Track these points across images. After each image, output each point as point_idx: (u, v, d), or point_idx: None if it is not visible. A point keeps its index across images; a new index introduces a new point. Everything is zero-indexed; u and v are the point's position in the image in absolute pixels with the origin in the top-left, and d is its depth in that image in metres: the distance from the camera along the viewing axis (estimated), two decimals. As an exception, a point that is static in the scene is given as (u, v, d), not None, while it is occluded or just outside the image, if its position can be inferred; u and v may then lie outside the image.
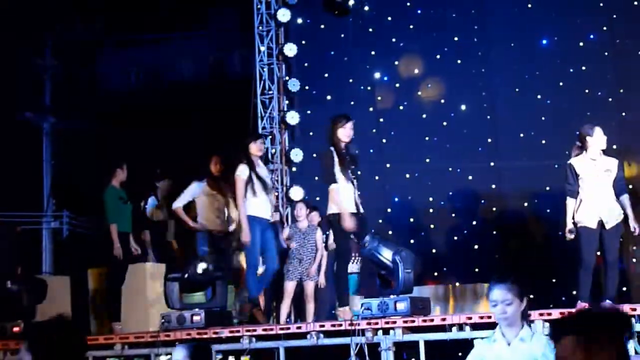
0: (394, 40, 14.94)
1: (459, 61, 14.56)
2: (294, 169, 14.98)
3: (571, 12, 13.99)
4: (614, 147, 12.64)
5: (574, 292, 11.29)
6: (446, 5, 14.80)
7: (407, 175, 14.57)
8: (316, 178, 14.30)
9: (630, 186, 12.81)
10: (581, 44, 13.97)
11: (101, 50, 18.16)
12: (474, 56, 14.46)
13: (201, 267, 10.22)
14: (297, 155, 14.71)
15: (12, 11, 15.73)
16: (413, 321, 9.12)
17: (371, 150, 14.47)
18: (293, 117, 14.91)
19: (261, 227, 10.57)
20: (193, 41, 17.37)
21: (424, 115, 14.69)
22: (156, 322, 10.11)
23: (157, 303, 10.54)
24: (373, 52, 15.17)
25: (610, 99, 13.61)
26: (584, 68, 13.83)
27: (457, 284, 12.84)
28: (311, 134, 14.89)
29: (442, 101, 14.75)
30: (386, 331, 9.19)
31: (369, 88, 15.18)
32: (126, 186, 12.07)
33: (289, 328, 9.83)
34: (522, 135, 13.96)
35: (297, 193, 14.40)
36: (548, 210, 13.17)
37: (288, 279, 11.61)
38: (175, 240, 13.14)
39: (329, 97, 15.15)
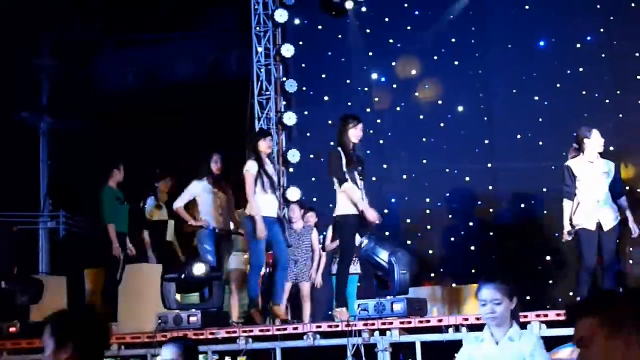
0: (391, 41, 14.94)
1: (456, 62, 14.57)
2: (291, 170, 14.98)
3: (568, 14, 14.00)
4: (611, 148, 12.65)
5: (571, 294, 11.32)
6: (444, 7, 14.81)
7: (405, 177, 14.58)
8: (313, 179, 14.33)
9: (628, 188, 12.84)
10: (578, 45, 13.98)
11: (99, 50, 18.13)
12: (472, 57, 14.47)
13: (198, 267, 10.21)
14: (294, 156, 14.70)
15: (10, 11, 15.72)
16: (410, 322, 9.11)
17: (368, 152, 14.41)
18: (290, 118, 14.90)
19: (268, 226, 10.54)
20: (191, 41, 17.36)
21: (422, 117, 14.70)
22: (153, 323, 10.09)
23: (154, 304, 10.52)
24: (371, 53, 15.18)
25: (607, 101, 13.61)
26: (581, 70, 13.84)
27: (454, 285, 12.84)
28: (308, 135, 14.91)
29: (440, 102, 14.76)
30: (383, 332, 9.19)
31: (366, 89, 15.19)
32: (124, 187, 12.08)
33: (285, 329, 9.82)
34: (519, 136, 13.96)
35: (294, 194, 14.39)
36: (545, 212, 13.18)
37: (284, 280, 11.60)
38: (176, 240, 13.15)
39: (326, 98, 15.15)
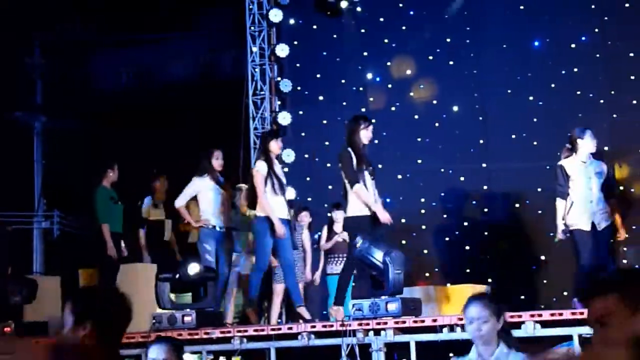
0: (386, 41, 14.94)
1: (451, 62, 14.57)
2: (285, 169, 14.94)
3: (563, 14, 14.01)
4: (605, 148, 12.68)
5: (565, 293, 11.33)
6: (438, 7, 14.81)
7: (399, 176, 14.57)
8: (308, 178, 14.35)
9: (621, 187, 12.87)
10: (573, 45, 13.99)
11: (93, 50, 18.10)
12: (466, 57, 14.47)
13: (192, 267, 10.20)
14: (289, 155, 14.67)
15: (4, 10, 15.69)
16: (404, 322, 9.12)
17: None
18: (285, 118, 14.88)
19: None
20: (185, 41, 17.34)
21: (416, 116, 14.70)
22: (147, 323, 10.08)
23: (149, 303, 10.51)
24: (365, 53, 15.17)
25: (601, 101, 13.63)
26: (575, 70, 13.85)
27: (449, 284, 12.85)
28: (303, 134, 14.90)
29: (434, 102, 14.76)
30: (377, 332, 9.19)
31: (361, 89, 15.18)
32: (119, 186, 12.06)
33: (280, 329, 9.83)
34: (513, 136, 13.97)
35: (289, 194, 14.37)
36: (539, 212, 13.17)
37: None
38: (173, 239, 13.12)
39: (321, 98, 15.14)
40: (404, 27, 14.92)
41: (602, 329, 2.91)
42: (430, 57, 14.72)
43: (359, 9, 15.18)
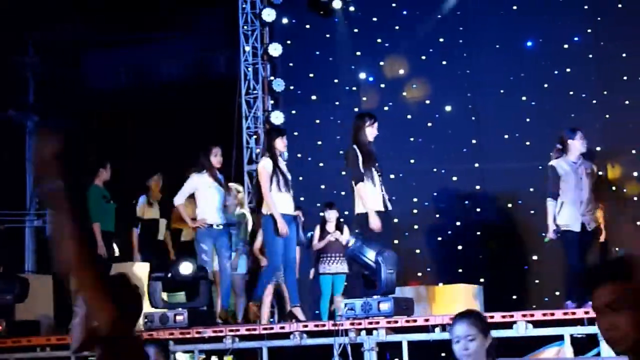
0: (379, 40, 14.95)
1: (444, 62, 14.59)
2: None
3: (556, 14, 14.02)
4: (598, 148, 12.71)
5: (557, 293, 11.34)
6: (431, 7, 14.81)
7: (392, 176, 14.55)
8: (300, 178, 14.32)
9: (614, 188, 12.89)
10: (566, 46, 14.00)
11: (86, 49, 18.07)
12: (459, 57, 14.48)
13: (184, 266, 10.18)
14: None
15: (-4, 9, 15.67)
16: (396, 322, 9.11)
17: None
18: (277, 117, 14.89)
19: (287, 223, 10.51)
20: (177, 40, 17.31)
21: (409, 116, 14.70)
22: (139, 322, 10.05)
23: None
24: (358, 53, 15.19)
25: (594, 101, 13.65)
26: (568, 70, 13.86)
27: (441, 284, 12.85)
28: (296, 134, 14.88)
29: (427, 102, 14.77)
30: (369, 331, 9.18)
31: (354, 88, 15.19)
32: (114, 185, 12.04)
33: (272, 328, 9.82)
34: (506, 136, 13.98)
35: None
36: (532, 212, 13.18)
37: None
38: (168, 238, 13.09)
39: (313, 97, 15.16)
40: (397, 27, 14.93)
41: (611, 314, 2.92)
42: (423, 57, 14.74)
43: (352, 8, 15.19)
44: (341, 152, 14.49)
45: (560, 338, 8.55)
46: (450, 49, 14.56)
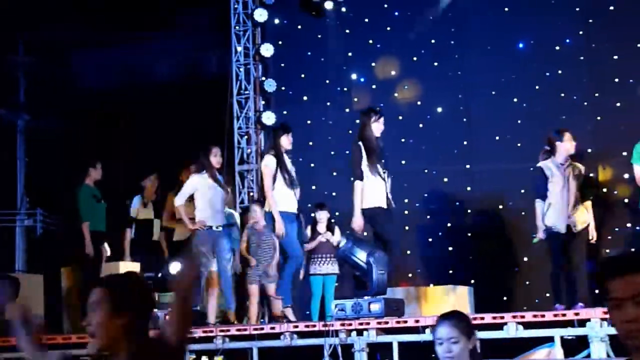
0: (370, 41, 14.94)
1: (435, 63, 14.58)
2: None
3: (547, 16, 14.01)
4: (589, 150, 12.73)
5: (547, 295, 11.36)
6: (423, 8, 14.81)
7: (383, 177, 14.56)
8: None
9: (605, 189, 12.91)
10: (557, 48, 14.00)
11: (77, 48, 18.03)
12: (451, 58, 14.48)
13: (174, 266, 10.17)
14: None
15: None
16: (387, 322, 9.12)
17: (347, 152, 14.41)
18: (269, 118, 14.89)
19: (290, 221, 10.51)
20: (169, 40, 17.29)
21: (400, 117, 14.69)
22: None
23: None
24: (350, 53, 15.18)
25: (585, 103, 13.65)
26: (560, 72, 13.86)
27: (431, 285, 12.86)
28: (287, 134, 14.87)
29: (419, 103, 14.76)
30: (360, 332, 9.20)
31: (345, 89, 15.18)
32: (105, 185, 12.02)
33: (262, 328, 9.82)
34: (497, 138, 13.98)
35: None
36: (522, 213, 13.19)
37: (249, 282, 11.53)
38: (163, 239, 13.07)
39: (305, 98, 15.15)
40: (388, 28, 14.92)
41: (638, 305, 2.85)
42: (415, 58, 14.73)
43: (343, 9, 15.18)
44: (332, 152, 14.59)
45: (550, 339, 8.57)
46: (441, 50, 14.56)
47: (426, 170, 14.33)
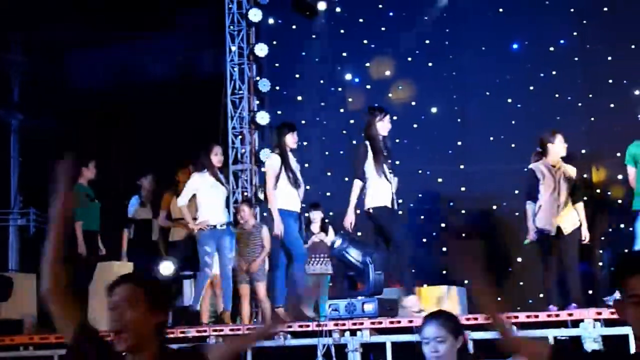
0: (365, 41, 14.95)
1: (430, 64, 14.59)
2: (263, 169, 14.93)
3: (542, 17, 14.03)
4: (583, 151, 12.75)
5: (541, 295, 11.35)
6: (418, 8, 14.81)
7: (377, 177, 14.55)
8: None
9: (598, 190, 12.92)
10: (552, 48, 14.01)
11: (71, 48, 18.00)
12: (445, 59, 14.48)
13: (165, 266, 10.15)
14: (267, 155, 14.65)
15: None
16: (380, 322, 9.12)
17: (341, 152, 14.46)
18: (263, 118, 14.88)
19: (293, 220, 10.50)
20: (163, 40, 17.25)
21: (395, 117, 14.61)
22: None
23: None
24: (344, 54, 15.18)
25: (579, 104, 13.66)
26: (554, 73, 13.87)
27: (425, 285, 12.85)
28: (281, 134, 14.86)
29: (413, 103, 14.77)
30: (353, 332, 9.19)
31: (339, 89, 15.19)
32: (99, 185, 12.00)
33: (255, 328, 9.79)
34: (491, 138, 13.98)
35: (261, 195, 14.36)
36: (516, 214, 13.18)
37: (239, 282, 11.50)
38: (161, 239, 13.03)
39: (299, 98, 15.15)
40: (383, 28, 14.92)
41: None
42: (409, 59, 14.74)
43: (338, 9, 15.18)
44: (327, 152, 14.59)
45: (544, 340, 8.56)
46: (436, 51, 14.57)
47: (420, 171, 14.33)
